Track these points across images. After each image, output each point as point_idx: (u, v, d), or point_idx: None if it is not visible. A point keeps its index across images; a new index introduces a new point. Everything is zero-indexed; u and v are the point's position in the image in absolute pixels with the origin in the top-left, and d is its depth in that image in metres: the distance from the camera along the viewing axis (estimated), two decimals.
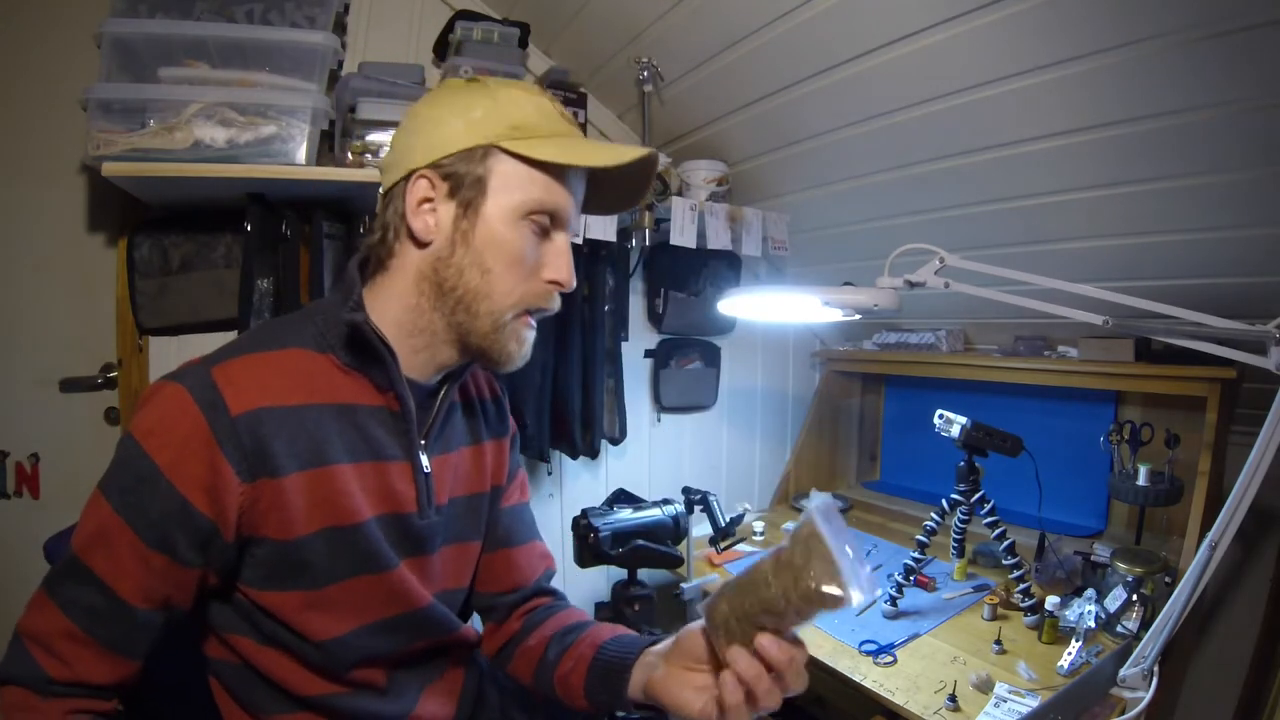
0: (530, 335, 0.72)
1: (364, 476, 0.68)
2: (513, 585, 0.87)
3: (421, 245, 0.68)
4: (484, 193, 0.66)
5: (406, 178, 0.67)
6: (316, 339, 0.68)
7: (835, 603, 0.51)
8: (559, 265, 0.70)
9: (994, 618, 1.25)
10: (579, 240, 1.37)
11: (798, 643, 0.58)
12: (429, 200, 0.67)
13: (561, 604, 0.90)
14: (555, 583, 0.94)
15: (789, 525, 1.81)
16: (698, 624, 0.65)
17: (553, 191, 0.68)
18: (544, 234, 0.69)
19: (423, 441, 0.73)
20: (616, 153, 0.69)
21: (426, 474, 0.73)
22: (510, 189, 0.66)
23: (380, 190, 0.71)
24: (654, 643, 0.73)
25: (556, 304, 0.72)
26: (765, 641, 0.56)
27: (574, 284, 0.72)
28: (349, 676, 0.69)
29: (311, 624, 0.66)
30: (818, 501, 0.55)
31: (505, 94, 0.67)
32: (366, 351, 0.68)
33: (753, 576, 0.56)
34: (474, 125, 0.66)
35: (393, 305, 0.69)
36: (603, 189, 0.75)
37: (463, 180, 0.66)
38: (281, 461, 0.63)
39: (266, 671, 0.67)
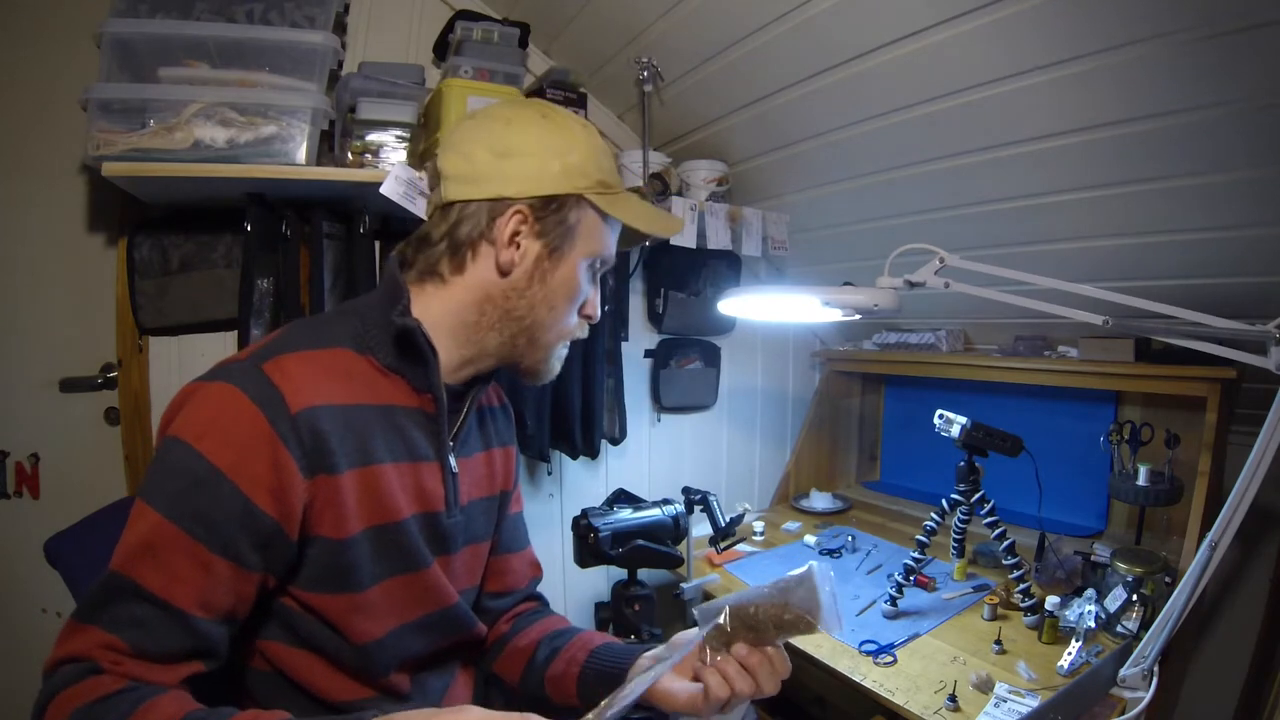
0: (565, 354, 0.79)
1: (402, 476, 0.69)
2: (507, 589, 0.90)
3: (504, 274, 0.71)
4: (573, 241, 0.71)
5: (495, 201, 0.69)
6: (356, 340, 0.69)
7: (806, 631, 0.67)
8: (595, 302, 0.79)
9: (994, 618, 1.25)
10: None
11: (777, 651, 0.68)
12: (518, 234, 0.70)
13: (547, 610, 0.94)
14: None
15: (789, 525, 1.81)
16: (689, 632, 0.72)
17: (610, 243, 0.76)
18: (595, 277, 0.77)
19: (451, 443, 0.74)
20: (670, 223, 0.81)
21: (454, 474, 0.74)
22: (588, 239, 0.73)
23: (443, 198, 0.70)
24: (648, 649, 0.76)
25: (585, 333, 0.80)
26: (741, 649, 0.67)
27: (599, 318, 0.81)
28: (379, 681, 0.70)
29: (355, 626, 0.67)
30: (818, 567, 0.68)
31: (589, 141, 0.72)
32: (410, 354, 0.69)
33: (746, 606, 0.68)
34: (570, 171, 0.70)
35: (447, 318, 0.71)
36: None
37: (554, 225, 0.70)
38: (337, 459, 0.63)
39: (297, 676, 0.67)
